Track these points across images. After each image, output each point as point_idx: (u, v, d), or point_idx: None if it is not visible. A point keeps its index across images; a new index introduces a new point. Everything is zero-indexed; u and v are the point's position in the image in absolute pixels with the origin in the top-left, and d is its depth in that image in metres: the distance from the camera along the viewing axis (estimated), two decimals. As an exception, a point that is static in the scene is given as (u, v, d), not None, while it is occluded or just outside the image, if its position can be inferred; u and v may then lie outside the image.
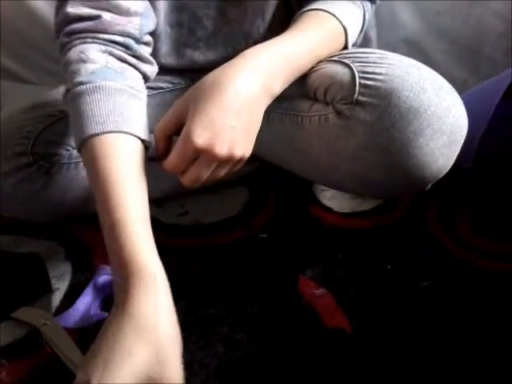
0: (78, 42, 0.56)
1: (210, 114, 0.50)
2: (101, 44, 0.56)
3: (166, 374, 0.42)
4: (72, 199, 0.68)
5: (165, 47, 0.70)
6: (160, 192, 0.75)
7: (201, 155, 0.51)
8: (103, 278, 0.61)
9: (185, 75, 0.76)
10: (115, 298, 0.46)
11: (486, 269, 0.64)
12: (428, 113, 0.54)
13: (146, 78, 0.60)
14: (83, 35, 0.56)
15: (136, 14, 0.58)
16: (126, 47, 0.57)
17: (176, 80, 0.76)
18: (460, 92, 0.58)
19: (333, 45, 0.63)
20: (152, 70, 0.61)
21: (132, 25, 0.57)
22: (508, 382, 0.50)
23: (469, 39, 0.94)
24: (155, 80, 0.76)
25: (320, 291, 0.62)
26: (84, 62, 0.54)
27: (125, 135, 0.52)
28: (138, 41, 0.58)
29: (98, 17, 0.56)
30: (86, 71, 0.53)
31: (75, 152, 0.66)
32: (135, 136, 0.53)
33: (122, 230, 0.47)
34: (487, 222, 0.72)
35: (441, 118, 0.54)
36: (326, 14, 0.62)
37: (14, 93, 1.03)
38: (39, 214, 0.70)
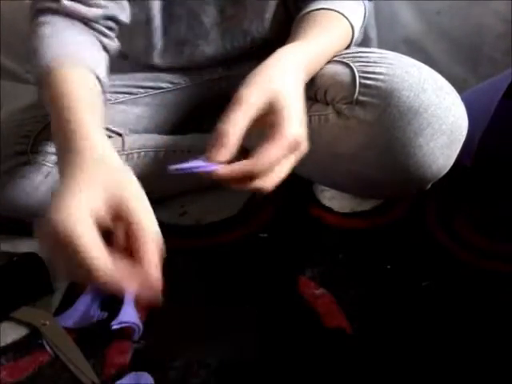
0: (40, 15, 0.58)
1: (298, 110, 0.48)
2: (61, 16, 0.58)
3: (125, 194, 0.41)
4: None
5: (162, 43, 0.70)
6: (159, 192, 0.75)
7: (295, 150, 0.47)
8: (103, 277, 0.61)
9: (185, 74, 0.76)
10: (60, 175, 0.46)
11: (486, 269, 0.64)
12: (428, 113, 0.54)
13: (105, 49, 0.61)
14: (46, 11, 0.58)
15: (96, 5, 0.59)
16: (86, 24, 0.59)
17: (176, 80, 0.76)
18: (460, 91, 0.58)
19: (343, 45, 0.63)
20: (113, 44, 0.62)
21: (92, 13, 0.59)
22: (508, 382, 0.50)
23: (469, 39, 0.93)
24: (155, 80, 0.76)
25: (320, 291, 0.61)
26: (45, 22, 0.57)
27: (83, 68, 0.53)
28: (95, 22, 0.60)
29: (57, 0, 0.57)
30: (47, 22, 0.57)
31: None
32: (94, 73, 0.54)
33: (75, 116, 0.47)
34: (487, 221, 0.72)
35: (441, 118, 0.54)
36: (336, 13, 0.61)
37: (14, 93, 1.03)
38: (39, 213, 0.70)
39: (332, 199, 0.78)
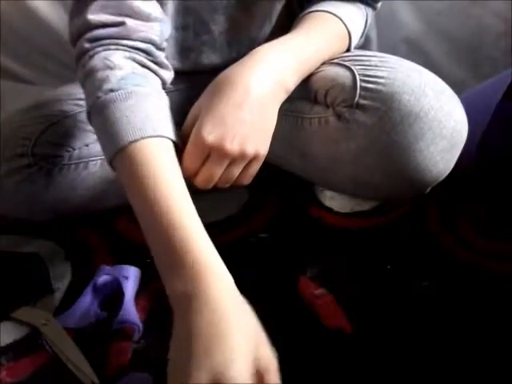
0: (100, 48, 0.54)
1: (220, 110, 0.51)
2: (124, 51, 0.55)
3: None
4: (72, 200, 0.68)
5: (169, 49, 0.70)
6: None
7: (212, 153, 0.51)
8: (103, 278, 0.61)
9: (187, 78, 0.76)
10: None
11: (486, 269, 0.64)
12: (429, 117, 0.54)
13: (164, 83, 0.59)
14: (107, 42, 0.54)
15: (156, 19, 0.57)
16: (148, 53, 0.56)
17: (177, 81, 0.76)
18: (459, 92, 0.59)
19: (337, 47, 0.63)
20: (169, 75, 0.60)
21: (153, 31, 0.57)
22: (508, 382, 0.50)
23: (468, 39, 0.94)
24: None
25: (320, 291, 0.61)
26: (111, 68, 0.53)
27: (162, 139, 0.51)
28: (158, 47, 0.58)
29: (121, 23, 0.55)
30: (115, 77, 0.52)
31: (76, 153, 0.66)
32: (170, 139, 0.52)
33: (193, 235, 0.46)
34: (487, 222, 0.72)
35: (441, 122, 0.54)
36: (332, 16, 0.62)
37: (14, 93, 1.03)
38: (40, 213, 0.70)
39: (332, 199, 0.78)
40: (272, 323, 0.58)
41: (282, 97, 0.56)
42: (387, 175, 0.58)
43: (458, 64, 0.96)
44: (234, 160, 0.52)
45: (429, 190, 0.61)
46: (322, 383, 0.51)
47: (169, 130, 0.52)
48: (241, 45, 0.71)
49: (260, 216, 0.76)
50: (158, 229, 0.46)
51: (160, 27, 0.58)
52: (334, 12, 0.62)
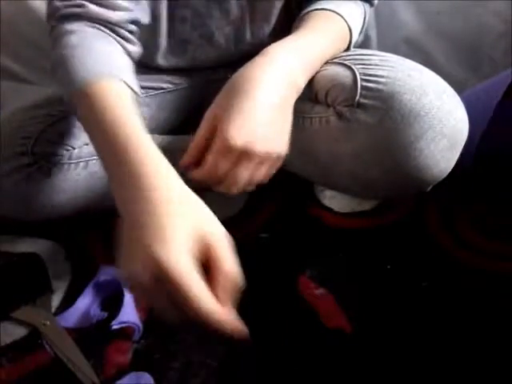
0: (66, 24, 0.57)
1: (244, 112, 0.51)
2: (87, 23, 0.57)
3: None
4: (72, 199, 0.68)
5: (166, 42, 0.70)
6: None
7: (241, 155, 0.51)
8: (103, 278, 0.61)
9: (186, 75, 0.76)
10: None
11: (486, 269, 0.64)
12: (429, 116, 0.54)
13: (130, 56, 0.60)
14: (72, 18, 0.57)
15: (123, 9, 0.58)
16: (111, 29, 0.58)
17: (177, 80, 0.76)
18: (460, 92, 0.59)
19: (340, 45, 0.63)
20: (136, 50, 0.61)
21: (117, 16, 0.58)
22: (508, 382, 0.50)
23: (469, 39, 0.93)
24: (156, 80, 0.76)
25: (320, 291, 0.62)
26: (74, 32, 0.55)
27: (121, 83, 0.52)
28: (121, 27, 0.59)
29: (83, 5, 0.56)
30: (76, 36, 0.55)
31: (76, 152, 0.66)
32: (130, 87, 0.53)
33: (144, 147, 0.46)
34: (487, 221, 0.72)
35: (442, 121, 0.54)
36: (334, 14, 0.62)
37: (14, 93, 1.03)
38: (40, 214, 0.70)
39: (332, 199, 0.78)
40: (272, 323, 0.58)
41: (295, 96, 0.56)
42: (387, 174, 0.58)
43: (458, 64, 0.96)
44: (259, 162, 0.52)
45: (429, 189, 0.61)
46: (321, 383, 0.51)
47: (131, 79, 0.53)
48: (239, 42, 0.71)
49: (260, 216, 0.76)
50: (115, 142, 0.46)
51: (128, 16, 0.59)
52: (335, 10, 0.62)
